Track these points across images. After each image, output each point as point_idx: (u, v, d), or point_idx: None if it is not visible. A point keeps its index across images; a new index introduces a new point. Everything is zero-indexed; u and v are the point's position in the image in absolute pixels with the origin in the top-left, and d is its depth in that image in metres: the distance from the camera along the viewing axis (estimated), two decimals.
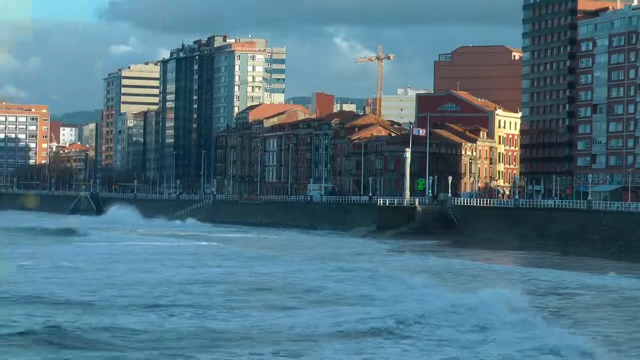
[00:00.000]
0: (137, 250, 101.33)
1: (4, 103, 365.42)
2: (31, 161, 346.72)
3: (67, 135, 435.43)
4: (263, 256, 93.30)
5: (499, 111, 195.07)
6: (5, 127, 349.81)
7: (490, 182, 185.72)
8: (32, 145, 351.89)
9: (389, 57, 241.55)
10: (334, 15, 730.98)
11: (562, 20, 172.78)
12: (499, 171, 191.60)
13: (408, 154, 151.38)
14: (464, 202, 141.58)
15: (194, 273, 74.54)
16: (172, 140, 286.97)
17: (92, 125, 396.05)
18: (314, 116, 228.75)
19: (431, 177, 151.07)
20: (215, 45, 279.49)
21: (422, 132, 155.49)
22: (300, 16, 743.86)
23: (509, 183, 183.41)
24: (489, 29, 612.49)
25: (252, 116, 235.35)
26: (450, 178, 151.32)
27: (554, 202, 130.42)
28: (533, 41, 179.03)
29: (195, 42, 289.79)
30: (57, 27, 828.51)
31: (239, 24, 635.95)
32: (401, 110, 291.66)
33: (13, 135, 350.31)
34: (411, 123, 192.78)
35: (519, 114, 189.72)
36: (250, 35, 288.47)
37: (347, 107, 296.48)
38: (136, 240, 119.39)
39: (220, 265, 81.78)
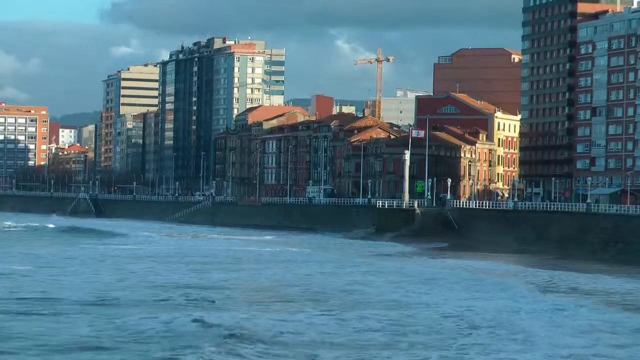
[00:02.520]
0: (241, 254, 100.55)
1: (3, 104, 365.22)
2: (30, 163, 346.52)
3: (66, 136, 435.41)
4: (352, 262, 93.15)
5: (499, 114, 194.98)
6: (4, 129, 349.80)
7: (490, 184, 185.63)
8: (32, 146, 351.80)
9: (389, 59, 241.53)
10: (335, 17, 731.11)
11: (562, 23, 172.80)
12: (498, 174, 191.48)
13: (407, 156, 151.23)
14: (463, 205, 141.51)
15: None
16: (172, 142, 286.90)
17: (91, 127, 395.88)
18: (313, 118, 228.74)
19: (430, 180, 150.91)
20: (214, 47, 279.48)
21: (421, 134, 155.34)
22: (302, 18, 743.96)
23: (508, 185, 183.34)
24: (488, 32, 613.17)
25: (251, 118, 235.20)
26: (449, 180, 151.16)
27: (547, 204, 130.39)
28: (533, 44, 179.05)
29: (194, 44, 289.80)
30: (58, 28, 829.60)
31: (240, 26, 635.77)
32: (400, 112, 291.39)
33: (12, 137, 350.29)
34: (410, 125, 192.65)
35: (519, 117, 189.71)
36: (249, 37, 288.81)
37: (346, 109, 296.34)
38: (217, 244, 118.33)
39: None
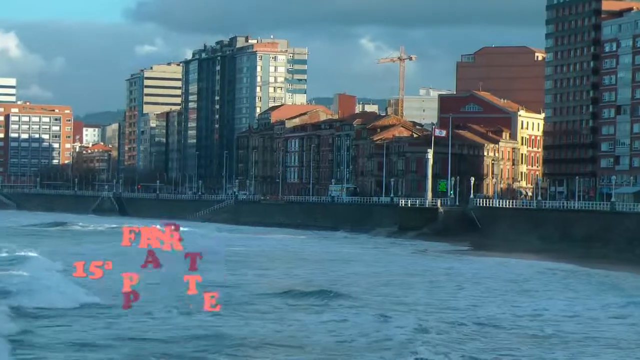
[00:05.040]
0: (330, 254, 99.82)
1: (27, 103, 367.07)
2: (54, 161, 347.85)
3: (90, 135, 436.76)
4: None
5: (522, 112, 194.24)
6: (29, 128, 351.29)
7: (513, 183, 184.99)
8: (56, 145, 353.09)
9: (411, 57, 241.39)
10: (360, 16, 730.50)
11: (586, 20, 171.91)
12: (522, 172, 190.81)
13: (430, 155, 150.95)
14: (486, 203, 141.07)
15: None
16: (195, 140, 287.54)
17: (114, 126, 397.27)
18: (336, 117, 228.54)
19: (453, 178, 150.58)
20: (237, 46, 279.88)
21: (443, 133, 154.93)
22: (326, 17, 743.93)
23: (532, 184, 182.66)
24: (512, 30, 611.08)
25: (274, 117, 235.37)
26: (472, 179, 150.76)
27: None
28: (556, 42, 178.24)
29: (217, 43, 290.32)
30: (83, 28, 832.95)
31: (264, 25, 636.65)
32: (423, 111, 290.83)
33: (37, 136, 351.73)
34: (433, 124, 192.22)
35: (542, 115, 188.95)
36: (272, 36, 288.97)
37: (369, 108, 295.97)
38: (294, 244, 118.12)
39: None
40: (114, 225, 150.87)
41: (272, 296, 57.14)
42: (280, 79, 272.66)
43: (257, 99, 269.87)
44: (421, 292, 62.36)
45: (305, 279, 69.52)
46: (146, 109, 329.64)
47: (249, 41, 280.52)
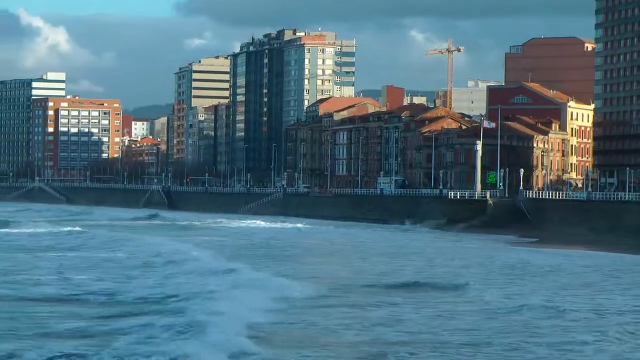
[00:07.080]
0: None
1: (77, 97, 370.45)
2: (104, 155, 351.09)
3: (138, 129, 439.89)
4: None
5: (571, 103, 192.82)
6: (78, 122, 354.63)
7: (563, 174, 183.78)
8: (105, 139, 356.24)
9: (460, 49, 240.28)
10: (410, 7, 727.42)
11: (636, 10, 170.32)
12: (571, 164, 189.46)
13: (479, 147, 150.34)
14: (536, 195, 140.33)
15: None
16: (243, 133, 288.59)
17: (163, 119, 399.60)
18: (384, 109, 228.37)
19: (502, 170, 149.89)
20: (285, 39, 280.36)
21: (492, 125, 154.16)
22: (375, 9, 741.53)
23: (582, 176, 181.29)
24: (561, 20, 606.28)
25: (322, 109, 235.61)
26: (521, 171, 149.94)
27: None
28: (606, 32, 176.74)
29: (265, 36, 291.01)
30: (132, 22, 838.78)
31: (313, 17, 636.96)
32: (472, 102, 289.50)
33: (86, 130, 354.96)
34: (482, 115, 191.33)
35: (592, 106, 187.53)
36: (320, 29, 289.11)
37: (417, 100, 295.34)
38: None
39: None
40: (219, 220, 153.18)
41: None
42: (328, 72, 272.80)
43: (305, 92, 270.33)
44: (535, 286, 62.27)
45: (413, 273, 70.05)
46: (194, 102, 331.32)
47: (297, 34, 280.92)
